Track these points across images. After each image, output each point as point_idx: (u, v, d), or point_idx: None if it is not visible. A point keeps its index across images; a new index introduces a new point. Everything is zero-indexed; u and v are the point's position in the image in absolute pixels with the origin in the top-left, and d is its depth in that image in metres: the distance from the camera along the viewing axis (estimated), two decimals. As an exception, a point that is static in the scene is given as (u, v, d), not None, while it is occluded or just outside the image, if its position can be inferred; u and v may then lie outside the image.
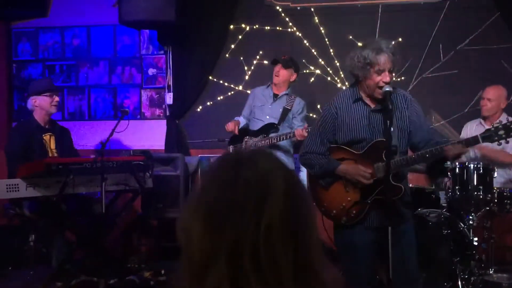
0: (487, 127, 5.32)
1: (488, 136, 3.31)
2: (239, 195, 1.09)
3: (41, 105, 5.18)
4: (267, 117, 5.58)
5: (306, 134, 5.08)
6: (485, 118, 5.40)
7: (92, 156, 5.13)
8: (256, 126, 5.61)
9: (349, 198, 3.51)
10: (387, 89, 3.36)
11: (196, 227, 1.10)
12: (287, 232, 1.08)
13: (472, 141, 3.35)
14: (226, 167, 1.15)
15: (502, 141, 3.36)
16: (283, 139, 5.38)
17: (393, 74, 3.45)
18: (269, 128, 5.51)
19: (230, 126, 5.62)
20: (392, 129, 3.39)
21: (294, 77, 5.65)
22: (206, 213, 1.10)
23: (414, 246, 3.61)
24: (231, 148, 5.67)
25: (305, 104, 5.70)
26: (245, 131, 5.65)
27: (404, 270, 3.44)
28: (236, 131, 5.59)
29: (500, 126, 3.28)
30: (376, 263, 3.77)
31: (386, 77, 3.36)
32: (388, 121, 3.34)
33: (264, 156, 1.17)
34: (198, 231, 1.10)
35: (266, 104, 5.64)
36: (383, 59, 3.34)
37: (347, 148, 3.54)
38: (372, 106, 3.52)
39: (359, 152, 3.51)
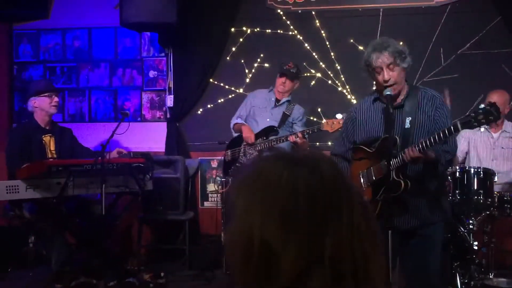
0: (492, 132, 5.34)
1: (467, 121, 3.23)
2: (319, 190, 1.06)
3: (41, 105, 5.18)
4: (267, 120, 5.58)
5: (299, 141, 5.14)
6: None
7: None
8: (254, 128, 5.59)
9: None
10: (388, 92, 3.35)
11: (273, 233, 1.03)
12: (371, 234, 1.08)
13: (454, 129, 3.27)
14: (288, 161, 1.10)
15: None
16: (282, 141, 5.38)
17: (404, 64, 3.36)
18: (269, 131, 5.51)
19: (249, 134, 5.54)
20: (408, 125, 3.36)
21: (297, 85, 5.71)
22: (293, 217, 1.04)
23: (436, 252, 3.49)
24: (229, 153, 5.67)
25: (305, 111, 5.77)
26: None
27: (421, 277, 3.40)
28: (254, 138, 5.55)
29: (480, 111, 3.20)
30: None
31: (384, 75, 3.34)
32: (389, 123, 3.33)
33: (327, 161, 1.13)
34: (293, 239, 1.03)
35: (267, 107, 5.66)
36: (375, 57, 3.33)
37: (364, 147, 3.55)
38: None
39: (371, 150, 3.50)
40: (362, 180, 3.53)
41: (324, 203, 1.05)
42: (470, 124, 3.20)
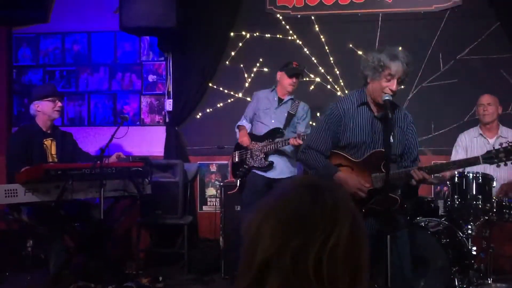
0: (488, 138, 5.36)
1: (489, 157, 3.35)
2: (315, 213, 1.22)
3: (44, 110, 5.17)
4: (272, 121, 5.56)
5: (301, 142, 5.13)
6: (485, 125, 5.41)
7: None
8: (260, 129, 5.58)
9: (360, 194, 3.50)
10: (387, 97, 3.37)
11: (269, 225, 1.22)
12: (349, 256, 1.21)
13: (473, 162, 3.41)
14: (307, 188, 1.28)
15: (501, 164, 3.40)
16: (287, 145, 5.37)
17: (400, 86, 3.49)
18: (274, 133, 5.50)
19: (243, 137, 5.57)
20: (392, 139, 3.41)
21: None
22: (282, 216, 1.23)
23: (408, 251, 3.64)
24: (236, 154, 5.65)
25: (309, 108, 5.71)
26: (250, 136, 5.61)
27: (400, 275, 3.47)
28: (250, 145, 5.54)
29: (501, 149, 3.31)
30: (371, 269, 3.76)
31: (393, 85, 3.39)
32: (387, 130, 3.35)
33: (339, 189, 1.33)
34: (270, 229, 1.21)
35: (271, 108, 5.61)
36: (396, 66, 3.36)
37: (345, 155, 3.56)
38: (376, 112, 3.55)
39: (357, 160, 3.52)
40: None
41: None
42: (491, 160, 3.33)
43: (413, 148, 3.65)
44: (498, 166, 3.47)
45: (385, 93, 3.40)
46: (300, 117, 5.61)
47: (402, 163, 3.61)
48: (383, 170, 3.39)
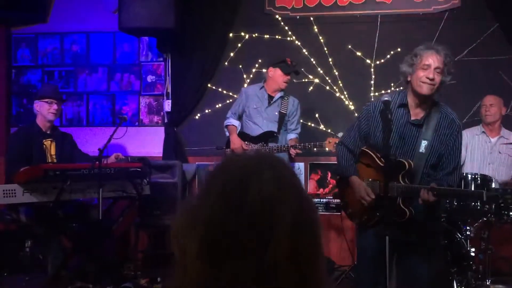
0: (490, 137, 5.37)
1: (494, 197, 3.34)
2: (242, 226, 1.01)
3: (40, 110, 5.19)
4: (264, 121, 5.54)
5: (299, 151, 5.16)
6: (487, 125, 5.43)
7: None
8: (251, 130, 5.56)
9: (363, 202, 3.51)
10: (386, 98, 3.35)
11: (192, 248, 1.03)
12: (292, 271, 1.02)
13: (477, 195, 3.38)
14: (231, 182, 1.06)
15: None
16: (282, 151, 5.35)
17: (446, 79, 3.38)
18: (268, 136, 5.49)
19: (237, 145, 5.52)
20: (423, 150, 3.36)
21: None
22: (204, 236, 1.02)
23: (428, 262, 3.51)
24: (229, 152, 5.62)
25: (299, 103, 5.68)
26: (242, 135, 5.61)
27: (412, 284, 3.43)
28: (244, 146, 5.52)
29: (509, 191, 3.31)
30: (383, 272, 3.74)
31: (430, 73, 3.31)
32: (386, 130, 3.31)
33: (271, 170, 1.07)
34: (194, 255, 1.02)
35: (261, 107, 5.57)
36: (429, 54, 3.32)
37: (374, 156, 3.51)
38: (412, 117, 3.46)
39: (381, 164, 3.42)
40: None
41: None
42: (496, 199, 3.32)
43: (450, 161, 3.45)
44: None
45: (424, 83, 3.33)
46: (291, 113, 5.58)
47: (435, 174, 3.46)
48: (400, 180, 3.36)
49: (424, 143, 3.39)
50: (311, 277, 1.04)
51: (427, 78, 3.31)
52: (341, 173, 3.72)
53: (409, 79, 3.41)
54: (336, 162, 3.86)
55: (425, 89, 3.34)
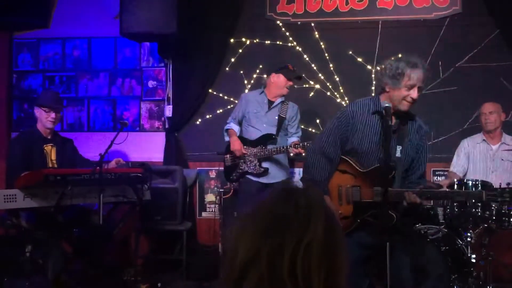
0: (491, 144, 5.37)
1: (493, 196, 3.36)
2: (288, 214, 1.28)
3: (39, 117, 5.21)
4: (264, 125, 5.56)
5: (301, 151, 5.15)
6: (487, 133, 5.43)
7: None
8: (251, 134, 5.58)
9: (340, 212, 3.50)
10: (387, 105, 3.37)
11: (247, 230, 1.30)
12: (323, 254, 1.26)
13: (477, 196, 3.45)
14: (281, 191, 1.36)
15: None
16: (281, 152, 5.41)
17: (420, 93, 3.44)
18: (267, 138, 5.50)
19: (237, 147, 5.54)
20: (399, 154, 3.39)
21: None
22: (258, 220, 1.30)
23: (407, 260, 3.57)
24: (229, 158, 5.64)
25: (298, 108, 5.71)
26: (241, 140, 5.60)
27: (399, 282, 3.44)
28: (243, 150, 5.53)
29: (506, 189, 3.32)
30: (367, 278, 3.76)
31: (415, 93, 3.36)
32: (387, 137, 3.33)
33: (313, 191, 1.38)
34: (248, 233, 1.29)
35: (261, 112, 5.59)
36: (417, 74, 3.34)
37: (352, 163, 3.51)
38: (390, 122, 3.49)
39: (362, 170, 3.48)
40: (340, 194, 3.52)
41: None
42: (495, 198, 3.34)
43: (421, 163, 3.58)
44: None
45: (407, 102, 3.38)
46: (291, 118, 5.60)
47: (408, 178, 3.56)
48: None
49: (399, 148, 3.43)
50: (336, 265, 1.28)
51: (412, 98, 3.37)
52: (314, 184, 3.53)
53: (387, 90, 3.44)
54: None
55: (406, 107, 3.43)
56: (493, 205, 4.79)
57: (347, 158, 3.55)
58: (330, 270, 1.26)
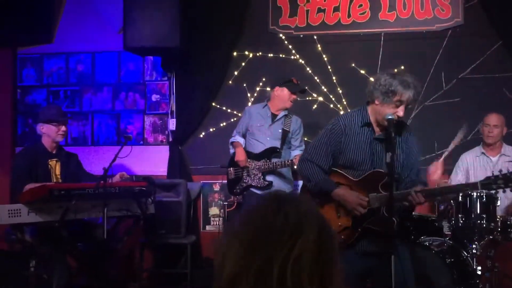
0: (491, 157, 5.35)
1: (487, 183, 3.36)
2: (277, 225, 1.24)
3: (48, 133, 5.20)
4: (268, 138, 5.56)
5: None
6: (487, 146, 5.41)
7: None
8: (255, 147, 5.58)
9: (339, 223, 3.51)
10: (390, 117, 3.38)
11: (234, 245, 1.26)
12: (315, 266, 1.22)
13: (472, 187, 3.41)
14: (271, 200, 1.31)
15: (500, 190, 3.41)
16: (285, 165, 5.40)
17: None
18: (271, 152, 5.50)
19: (241, 158, 5.55)
20: (389, 160, 3.40)
21: None
22: (245, 235, 1.26)
23: (411, 268, 3.55)
24: (232, 171, 5.64)
25: (302, 121, 5.72)
26: (246, 154, 5.61)
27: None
28: (247, 163, 5.54)
29: (500, 176, 3.32)
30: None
31: (401, 111, 3.40)
32: (390, 148, 3.34)
33: (304, 200, 1.34)
34: (235, 249, 1.25)
35: (265, 125, 5.60)
36: (408, 94, 3.37)
37: (344, 174, 3.55)
38: (377, 134, 3.54)
39: (355, 179, 3.52)
40: (337, 206, 3.54)
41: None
42: (489, 186, 3.34)
43: (413, 163, 3.63)
44: (497, 192, 3.48)
45: (387, 119, 3.41)
46: (294, 131, 5.61)
47: (405, 179, 3.59)
48: (380, 190, 3.43)
49: (389, 154, 3.43)
50: (329, 278, 1.25)
51: (398, 116, 3.41)
52: (319, 189, 3.56)
53: (376, 103, 3.47)
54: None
55: (386, 120, 3.44)
56: (499, 217, 4.78)
57: (337, 169, 3.58)
58: (323, 281, 1.23)
